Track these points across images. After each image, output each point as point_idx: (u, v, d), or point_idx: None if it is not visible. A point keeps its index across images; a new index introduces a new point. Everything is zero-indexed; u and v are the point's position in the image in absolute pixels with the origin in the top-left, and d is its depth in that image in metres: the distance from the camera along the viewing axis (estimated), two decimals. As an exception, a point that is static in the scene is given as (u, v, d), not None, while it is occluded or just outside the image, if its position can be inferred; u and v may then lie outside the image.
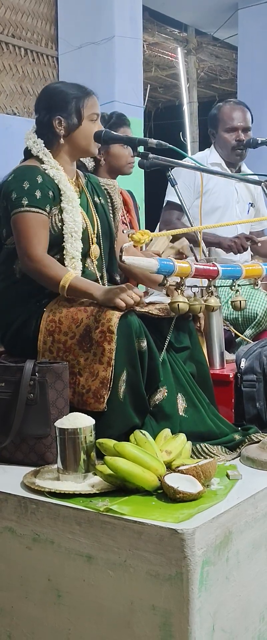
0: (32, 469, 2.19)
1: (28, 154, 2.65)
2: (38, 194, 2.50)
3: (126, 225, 3.47)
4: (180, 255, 3.14)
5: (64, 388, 2.28)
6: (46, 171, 2.56)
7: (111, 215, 2.79)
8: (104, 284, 2.66)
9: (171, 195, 3.65)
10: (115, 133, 3.08)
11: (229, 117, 3.80)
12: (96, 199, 2.75)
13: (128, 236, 2.37)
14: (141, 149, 2.80)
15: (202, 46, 9.69)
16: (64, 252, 2.53)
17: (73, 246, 2.53)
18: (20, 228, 2.48)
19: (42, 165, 2.57)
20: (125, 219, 3.50)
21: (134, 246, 2.42)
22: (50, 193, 2.53)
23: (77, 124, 2.61)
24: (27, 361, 2.28)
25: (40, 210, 2.49)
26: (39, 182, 2.52)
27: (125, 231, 2.56)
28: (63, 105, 2.61)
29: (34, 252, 2.45)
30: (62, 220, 2.54)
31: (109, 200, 2.81)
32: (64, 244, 2.53)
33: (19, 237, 2.49)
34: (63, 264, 2.51)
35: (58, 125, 2.61)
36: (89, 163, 3.34)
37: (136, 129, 3.57)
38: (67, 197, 2.56)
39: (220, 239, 3.55)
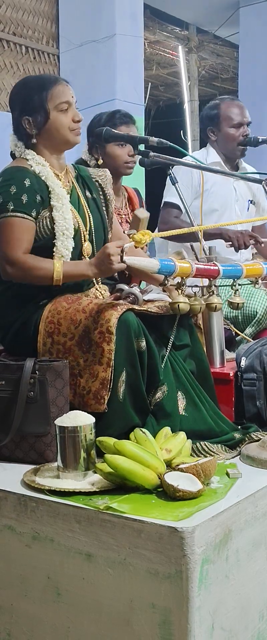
0: (32, 467, 2.19)
1: (14, 155, 2.63)
2: (24, 198, 2.46)
3: (129, 224, 3.45)
4: None
5: (64, 386, 2.28)
6: (32, 168, 2.52)
7: (104, 208, 2.73)
8: (98, 281, 2.63)
9: (168, 196, 3.65)
10: (115, 131, 3.08)
11: (234, 113, 3.79)
12: (88, 193, 2.69)
13: (129, 236, 2.36)
14: (141, 147, 2.80)
15: (203, 44, 9.70)
16: (54, 250, 2.48)
17: (64, 244, 2.48)
18: (3, 233, 2.44)
19: (27, 163, 2.54)
20: (129, 217, 3.48)
21: (135, 247, 2.41)
22: (38, 197, 2.49)
23: (45, 118, 2.56)
24: (27, 359, 2.27)
25: (25, 216, 2.45)
26: (27, 185, 2.47)
27: (126, 231, 2.55)
28: (27, 104, 2.56)
29: (14, 256, 2.41)
30: (52, 220, 2.50)
31: (100, 192, 2.74)
32: (55, 241, 2.48)
33: (1, 242, 2.45)
34: None
35: (27, 125, 2.57)
36: (90, 161, 3.33)
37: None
38: (56, 194, 2.52)
39: (221, 230, 3.53)
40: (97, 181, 2.75)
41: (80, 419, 2.09)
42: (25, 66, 6.21)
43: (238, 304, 2.55)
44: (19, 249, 2.42)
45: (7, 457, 2.29)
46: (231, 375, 2.72)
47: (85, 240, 2.59)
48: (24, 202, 2.45)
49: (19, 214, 2.44)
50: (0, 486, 2.07)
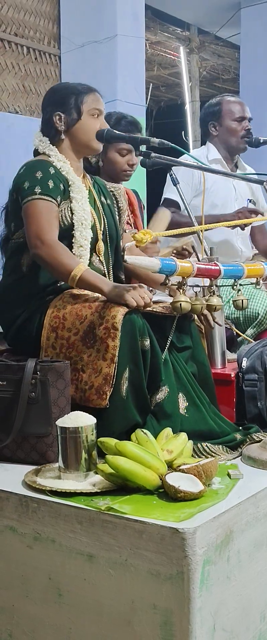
0: (34, 467, 2.19)
1: (37, 153, 2.70)
2: (50, 183, 2.53)
3: (130, 225, 3.45)
4: (182, 253, 3.13)
5: (66, 387, 2.28)
6: (54, 164, 2.59)
7: (117, 216, 2.83)
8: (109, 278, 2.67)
9: (168, 193, 3.68)
10: (117, 132, 3.08)
11: (236, 108, 3.87)
12: (103, 199, 2.79)
13: (131, 236, 2.37)
14: (143, 148, 2.80)
15: (204, 45, 9.69)
16: (73, 240, 2.55)
17: (82, 234, 2.55)
18: (33, 214, 2.48)
19: (50, 159, 2.62)
20: (129, 219, 3.49)
21: (137, 246, 2.42)
22: (61, 186, 2.57)
23: (77, 118, 2.65)
24: (29, 360, 2.28)
25: (52, 200, 2.51)
26: (52, 173, 2.56)
27: (127, 231, 2.56)
28: (63, 101, 2.67)
29: (47, 237, 2.44)
30: (71, 211, 2.56)
31: (115, 202, 2.85)
32: (73, 232, 2.54)
33: (30, 223, 2.48)
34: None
35: (58, 120, 2.66)
36: (91, 158, 3.34)
37: (138, 127, 3.57)
38: (77, 187, 2.60)
39: (220, 218, 3.56)
40: (112, 192, 2.87)
41: (81, 420, 2.09)
42: (26, 67, 6.20)
43: (242, 302, 2.54)
44: (51, 232, 2.47)
45: (9, 457, 2.29)
46: (232, 376, 2.73)
47: (99, 239, 2.65)
48: (51, 187, 2.53)
49: (46, 197, 2.50)
50: (1, 487, 2.07)
